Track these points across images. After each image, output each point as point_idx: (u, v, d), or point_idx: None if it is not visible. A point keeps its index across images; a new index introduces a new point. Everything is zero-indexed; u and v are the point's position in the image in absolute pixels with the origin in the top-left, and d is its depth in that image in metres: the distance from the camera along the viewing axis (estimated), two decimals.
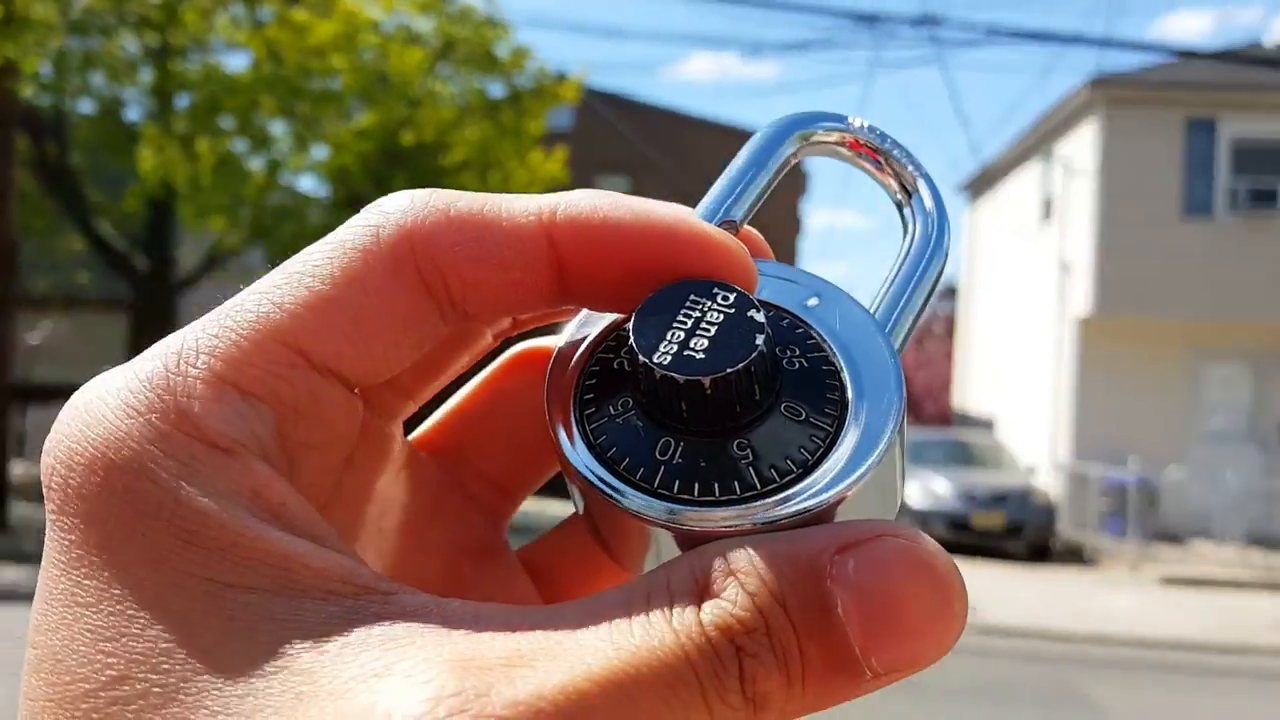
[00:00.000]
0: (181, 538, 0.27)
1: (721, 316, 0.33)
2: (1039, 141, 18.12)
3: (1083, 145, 16.09)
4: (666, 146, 20.01)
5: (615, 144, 19.86)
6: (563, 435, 0.34)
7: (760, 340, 0.32)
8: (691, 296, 0.33)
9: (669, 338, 0.32)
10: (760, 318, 0.32)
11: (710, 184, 0.38)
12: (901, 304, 0.37)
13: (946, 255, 0.39)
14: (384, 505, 0.38)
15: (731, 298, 0.33)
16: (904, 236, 0.40)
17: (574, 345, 0.36)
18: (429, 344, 0.34)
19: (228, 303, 0.31)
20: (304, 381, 0.31)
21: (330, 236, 0.32)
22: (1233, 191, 15.28)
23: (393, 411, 0.38)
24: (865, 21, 12.92)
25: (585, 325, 0.37)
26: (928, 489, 13.20)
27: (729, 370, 0.31)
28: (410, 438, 0.41)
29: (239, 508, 0.28)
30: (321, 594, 0.27)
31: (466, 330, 0.38)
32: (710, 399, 0.32)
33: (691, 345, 0.32)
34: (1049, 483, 15.06)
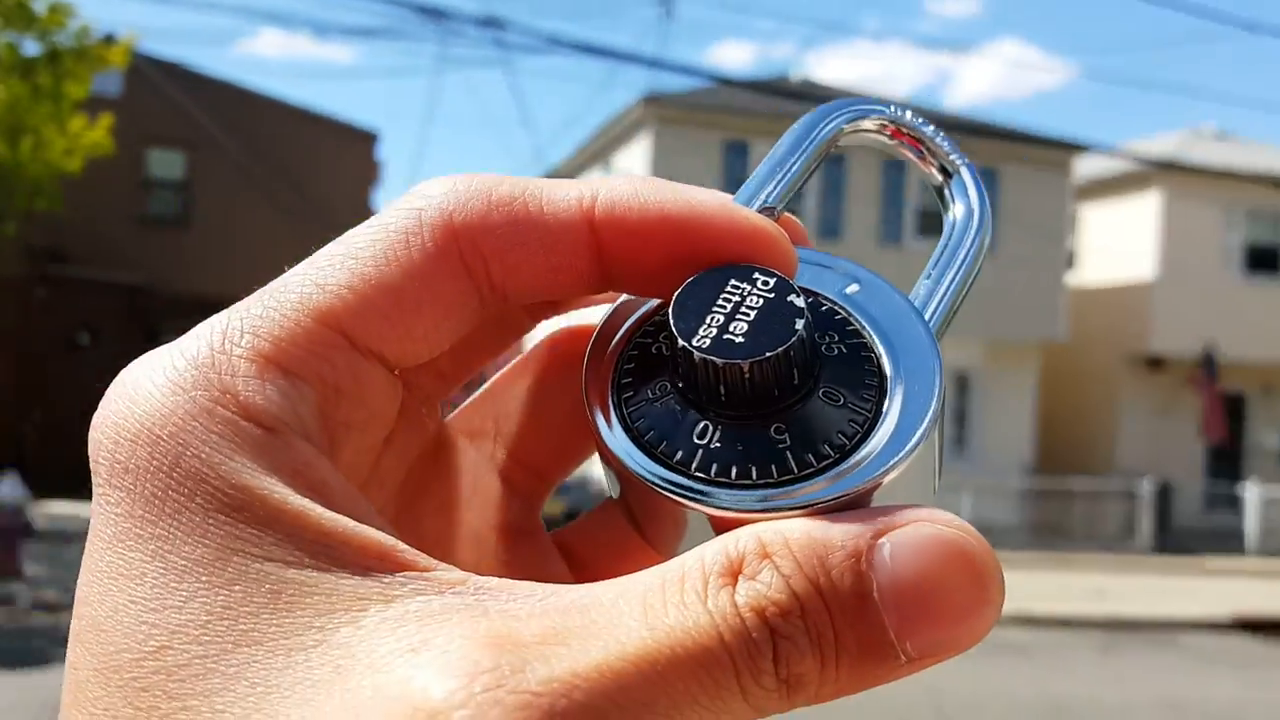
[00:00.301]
0: (225, 513, 0.27)
1: (761, 301, 0.33)
2: (600, 151, 19.40)
3: (637, 159, 17.48)
4: (230, 123, 18.89)
5: (171, 116, 18.41)
6: (600, 418, 0.34)
7: (800, 325, 0.32)
8: (731, 281, 0.33)
9: (708, 322, 0.32)
10: (800, 302, 0.33)
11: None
12: (941, 291, 0.37)
13: (987, 242, 0.39)
14: (421, 487, 0.39)
15: (771, 282, 0.33)
16: (945, 224, 0.40)
17: (612, 329, 0.36)
18: (468, 327, 0.34)
19: (272, 284, 0.32)
20: (346, 362, 0.31)
21: (373, 220, 0.33)
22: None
23: (430, 393, 0.39)
24: (430, 16, 13.05)
25: (624, 309, 0.37)
26: None
27: (768, 354, 0.31)
28: (447, 419, 0.41)
29: (281, 484, 0.28)
30: (361, 569, 0.27)
31: (505, 314, 0.38)
32: (749, 383, 0.32)
33: (731, 329, 0.32)
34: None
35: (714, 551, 0.28)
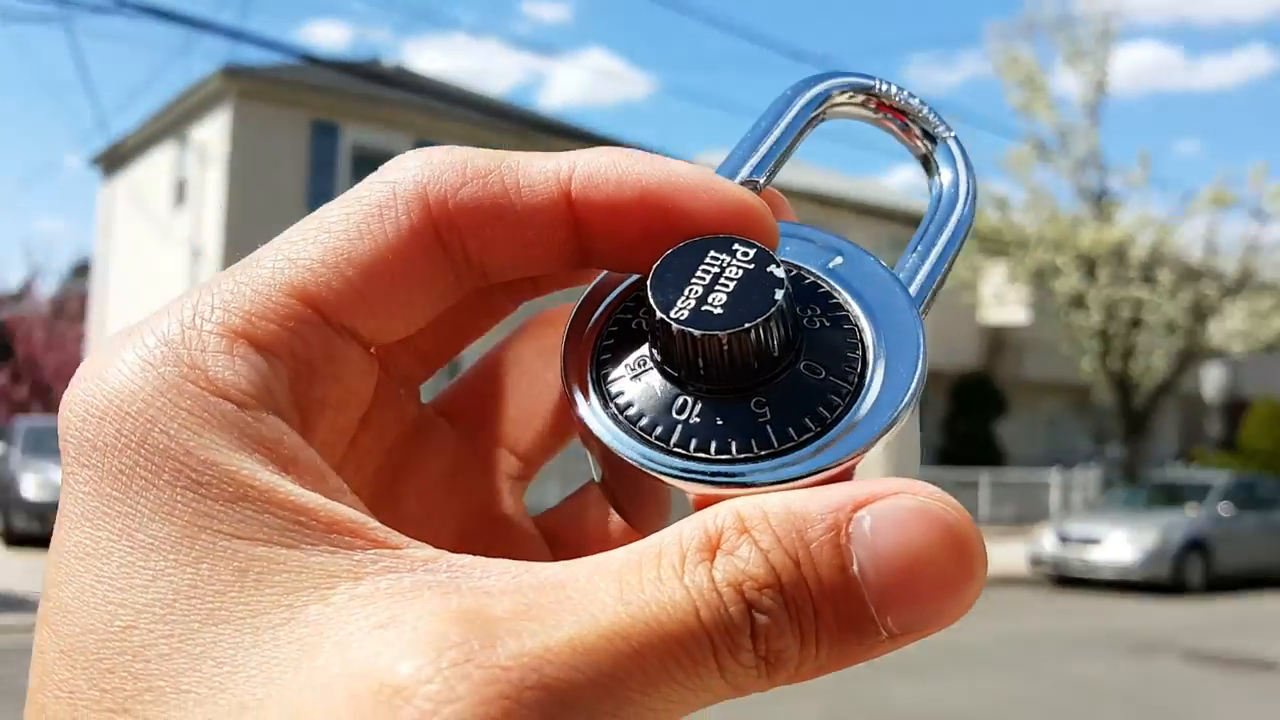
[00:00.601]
0: (192, 489, 0.27)
1: (741, 272, 0.32)
2: (174, 123, 17.97)
3: (216, 132, 16.40)
4: None
5: None
6: (578, 396, 0.33)
7: (780, 295, 0.31)
8: (711, 253, 0.32)
9: (686, 293, 0.32)
10: (780, 273, 0.32)
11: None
12: (926, 266, 0.37)
13: (973, 216, 0.39)
14: (400, 469, 0.38)
15: (751, 254, 0.32)
16: (930, 197, 0.39)
17: (591, 306, 0.36)
18: (445, 303, 0.34)
19: (244, 259, 0.31)
20: (318, 337, 0.31)
21: (347, 194, 0.32)
22: None
23: (410, 375, 0.38)
24: None
25: (603, 286, 0.36)
26: (50, 481, 12.27)
27: (747, 325, 0.31)
28: (429, 402, 0.40)
29: (251, 460, 0.28)
30: (331, 547, 0.27)
31: (486, 295, 0.37)
32: (728, 355, 0.31)
33: (710, 301, 0.31)
34: None
35: (692, 527, 0.28)
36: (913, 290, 0.36)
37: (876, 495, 0.27)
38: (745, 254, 0.32)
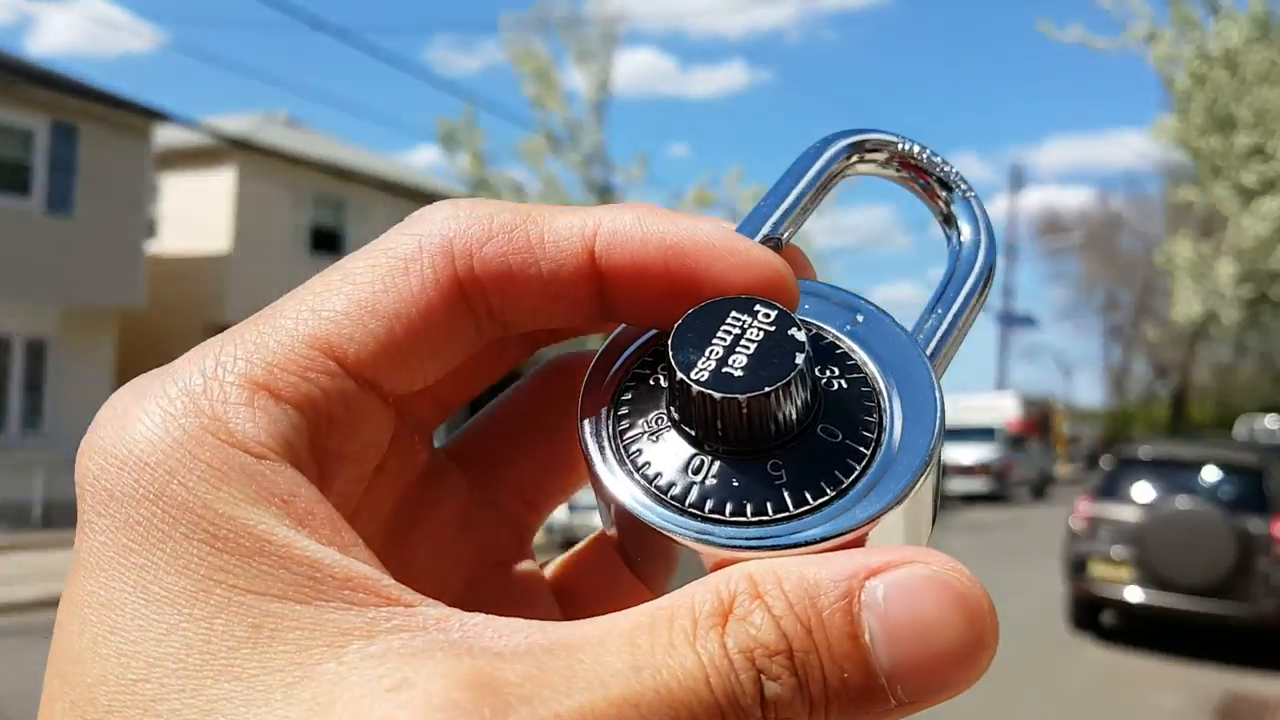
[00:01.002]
0: (209, 543, 0.27)
1: (761, 334, 0.32)
2: None
3: None
4: None
5: None
6: (594, 450, 0.33)
7: (800, 359, 0.31)
8: (732, 314, 0.32)
9: (707, 354, 0.32)
10: (801, 336, 0.32)
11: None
12: (944, 327, 0.37)
13: (991, 278, 0.38)
14: (410, 515, 0.38)
15: (773, 315, 0.32)
16: (949, 257, 0.39)
17: (610, 359, 0.35)
18: (465, 354, 0.34)
19: (267, 309, 0.31)
20: (339, 389, 0.31)
21: (372, 244, 0.32)
22: None
23: (423, 421, 0.38)
24: None
25: (622, 339, 0.36)
26: None
27: (767, 389, 0.31)
28: (441, 448, 0.40)
29: (267, 514, 0.28)
30: (345, 603, 0.27)
31: (502, 342, 0.37)
32: (747, 418, 0.31)
33: (730, 362, 0.31)
34: None
35: (705, 591, 0.28)
36: (929, 350, 0.36)
37: (890, 564, 0.28)
38: (767, 315, 0.33)
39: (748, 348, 0.32)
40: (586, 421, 0.34)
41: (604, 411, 0.34)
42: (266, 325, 0.31)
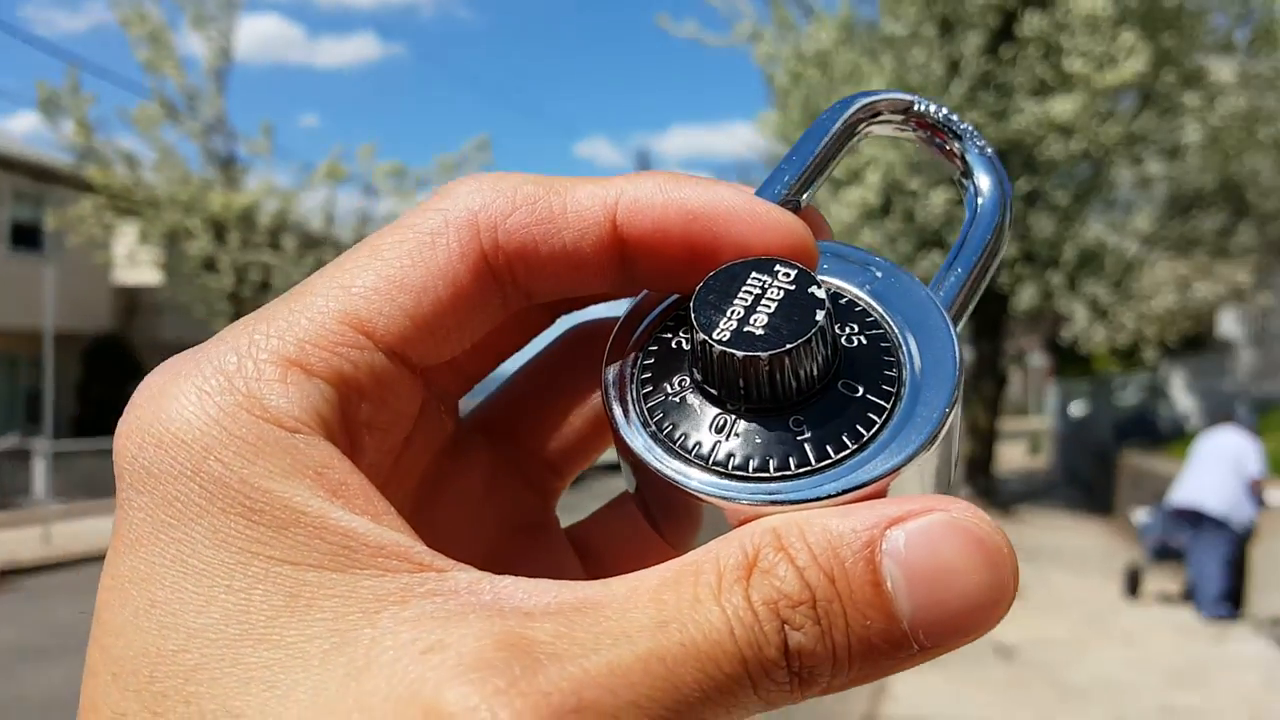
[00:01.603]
0: (245, 516, 0.27)
1: (782, 293, 0.32)
2: None
3: None
4: None
5: None
6: (618, 411, 0.33)
7: (820, 317, 0.32)
8: (753, 274, 0.33)
9: (729, 314, 0.32)
10: (820, 294, 0.32)
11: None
12: (962, 281, 0.37)
13: (1008, 229, 0.38)
14: (438, 483, 0.38)
15: (792, 274, 0.33)
16: (967, 211, 0.39)
17: (633, 324, 0.36)
18: (491, 325, 0.34)
19: (298, 287, 0.32)
20: (369, 363, 0.31)
21: (400, 220, 0.33)
22: None
23: (449, 390, 0.38)
24: None
25: (645, 304, 0.36)
26: None
27: (788, 346, 0.31)
28: (466, 416, 0.40)
29: (302, 486, 0.28)
30: (379, 570, 0.27)
31: (525, 310, 0.37)
32: (768, 375, 0.31)
33: (751, 322, 0.32)
34: None
35: (730, 547, 0.28)
36: (948, 304, 0.36)
37: (911, 514, 0.28)
38: (787, 275, 0.33)
39: (768, 307, 0.32)
40: (610, 385, 0.35)
41: (627, 374, 0.35)
42: (298, 303, 0.32)
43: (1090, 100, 11.90)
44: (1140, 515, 9.46)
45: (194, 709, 0.26)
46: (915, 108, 0.40)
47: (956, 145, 0.41)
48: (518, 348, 0.41)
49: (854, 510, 0.29)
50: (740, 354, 0.31)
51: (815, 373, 0.32)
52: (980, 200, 0.39)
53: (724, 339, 0.32)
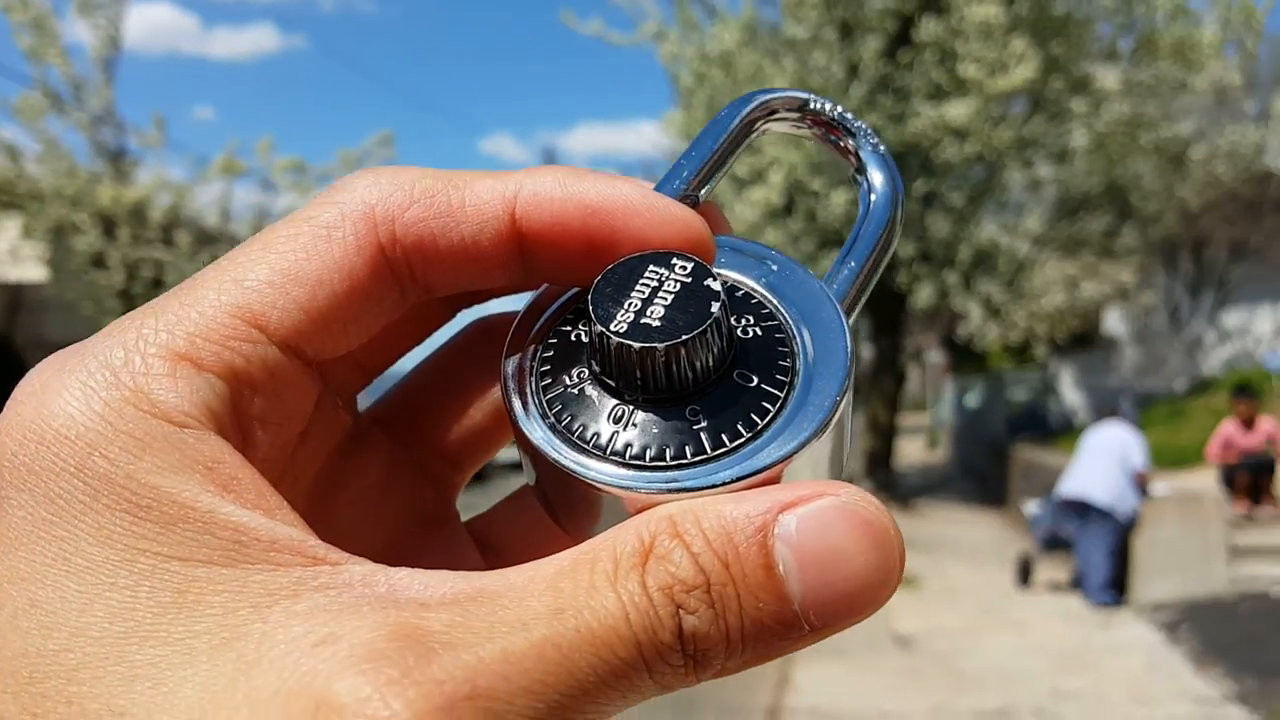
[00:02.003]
0: (132, 513, 0.27)
1: (678, 286, 0.33)
2: None
3: None
4: None
5: None
6: (516, 404, 0.34)
7: (715, 308, 0.32)
8: (650, 267, 0.33)
9: (626, 306, 0.32)
10: (716, 286, 0.33)
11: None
12: (854, 274, 0.37)
13: (899, 225, 0.39)
14: (336, 478, 0.38)
15: (689, 267, 0.33)
16: (860, 207, 0.40)
17: (532, 318, 0.36)
18: (389, 319, 0.34)
19: (189, 281, 0.31)
20: (262, 356, 0.31)
21: (295, 214, 0.33)
22: None
23: (347, 385, 0.38)
24: None
25: (544, 298, 0.36)
26: None
27: (683, 337, 0.32)
28: (365, 411, 0.40)
29: (191, 482, 0.28)
30: (271, 565, 0.27)
31: (425, 305, 0.37)
32: (664, 366, 0.32)
33: (648, 314, 0.32)
34: None
35: (626, 535, 0.29)
36: (841, 297, 0.37)
37: (802, 498, 0.29)
38: (683, 268, 0.34)
39: (665, 299, 0.33)
40: (509, 378, 0.35)
41: (527, 367, 0.35)
42: (188, 297, 0.31)
43: (983, 105, 12.25)
44: (1031, 507, 9.78)
45: (76, 709, 0.25)
46: (810, 105, 0.42)
47: (851, 142, 0.42)
48: (417, 342, 0.40)
49: (747, 496, 0.29)
50: (637, 345, 0.32)
51: (711, 363, 0.33)
52: (873, 196, 0.40)
53: (621, 330, 0.32)
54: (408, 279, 0.34)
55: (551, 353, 0.35)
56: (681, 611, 0.27)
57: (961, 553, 10.78)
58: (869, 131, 0.42)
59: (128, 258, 16.98)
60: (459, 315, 0.41)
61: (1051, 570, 9.25)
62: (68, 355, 0.30)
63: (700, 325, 0.32)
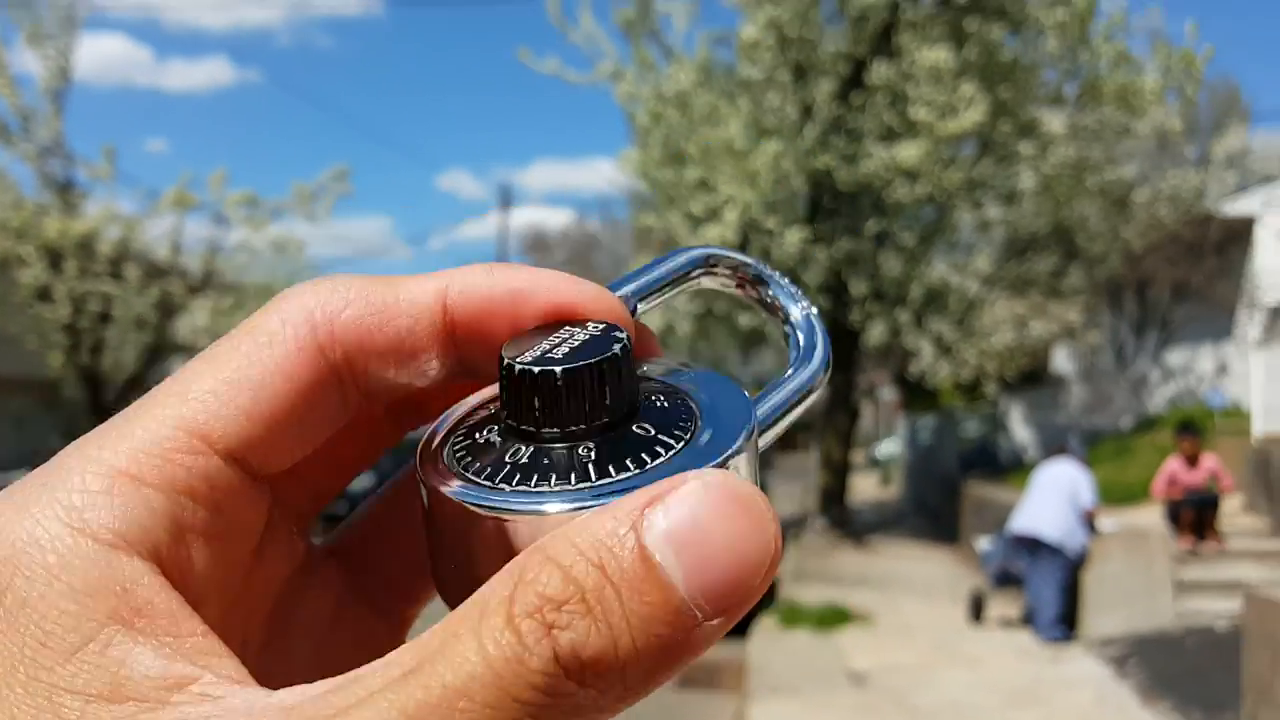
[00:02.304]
0: (38, 638, 0.27)
1: (588, 335, 0.34)
2: None
3: None
4: None
5: None
6: (425, 468, 0.34)
7: (617, 348, 0.33)
8: (566, 326, 0.35)
9: (535, 349, 0.34)
10: (623, 336, 0.34)
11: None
12: (777, 402, 0.39)
13: (826, 374, 0.41)
14: (291, 606, 0.38)
15: (603, 326, 0.35)
16: (790, 359, 0.42)
17: (453, 412, 0.37)
18: (333, 426, 0.34)
19: (142, 399, 0.32)
20: (203, 468, 0.31)
21: (238, 327, 0.33)
22: None
23: (302, 513, 0.39)
24: None
25: (466, 402, 0.38)
26: None
27: (582, 363, 0.32)
28: (320, 542, 0.40)
29: (101, 607, 0.28)
30: (155, 701, 0.27)
31: (373, 425, 0.39)
32: (562, 393, 0.32)
33: (554, 352, 0.33)
34: None
35: (500, 577, 0.28)
36: (763, 420, 0.37)
37: (665, 490, 0.28)
38: (597, 326, 0.35)
39: (573, 343, 0.34)
40: (424, 451, 0.36)
41: (443, 441, 0.36)
42: (135, 414, 0.32)
43: (934, 147, 12.49)
44: (983, 543, 9.87)
45: None
46: (747, 267, 0.44)
47: (779, 303, 0.44)
48: (368, 465, 0.41)
49: (615, 504, 0.29)
50: (536, 369, 0.33)
51: (609, 401, 0.33)
52: (802, 349, 0.42)
53: (525, 360, 0.33)
54: (349, 380, 0.34)
55: (464, 433, 0.36)
56: (554, 630, 0.26)
57: (915, 589, 10.83)
58: (796, 292, 0.44)
59: (74, 291, 16.65)
60: (408, 437, 0.41)
61: (1003, 606, 9.33)
62: (20, 483, 0.31)
63: (600, 355, 0.33)
